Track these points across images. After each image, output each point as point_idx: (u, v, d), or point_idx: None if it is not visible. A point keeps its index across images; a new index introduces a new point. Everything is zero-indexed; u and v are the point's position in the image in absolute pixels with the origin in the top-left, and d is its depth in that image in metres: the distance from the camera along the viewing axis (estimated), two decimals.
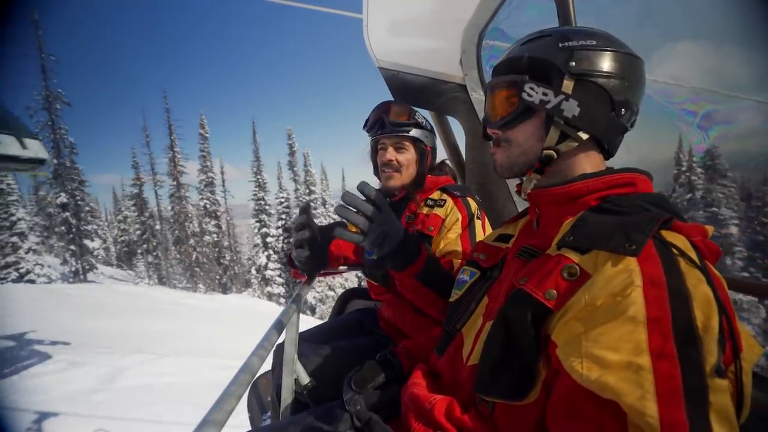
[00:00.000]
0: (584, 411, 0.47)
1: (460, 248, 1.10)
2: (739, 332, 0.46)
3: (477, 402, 0.62)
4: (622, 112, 0.62)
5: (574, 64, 0.61)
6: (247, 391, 1.56)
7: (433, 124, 1.88)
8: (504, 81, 0.68)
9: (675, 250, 0.48)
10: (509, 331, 0.56)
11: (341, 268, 1.51)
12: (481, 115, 1.63)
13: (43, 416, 2.94)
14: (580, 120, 0.62)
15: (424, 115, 1.31)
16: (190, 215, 22.97)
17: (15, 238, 15.39)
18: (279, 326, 0.91)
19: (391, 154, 1.23)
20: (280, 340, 0.96)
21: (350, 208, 0.82)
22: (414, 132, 1.24)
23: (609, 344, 0.45)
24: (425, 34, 1.52)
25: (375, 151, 1.31)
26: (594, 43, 0.62)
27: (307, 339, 1.33)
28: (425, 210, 1.22)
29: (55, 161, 17.49)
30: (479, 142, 1.69)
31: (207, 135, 23.56)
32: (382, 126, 1.22)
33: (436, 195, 1.24)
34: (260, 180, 23.66)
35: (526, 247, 0.68)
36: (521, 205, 1.68)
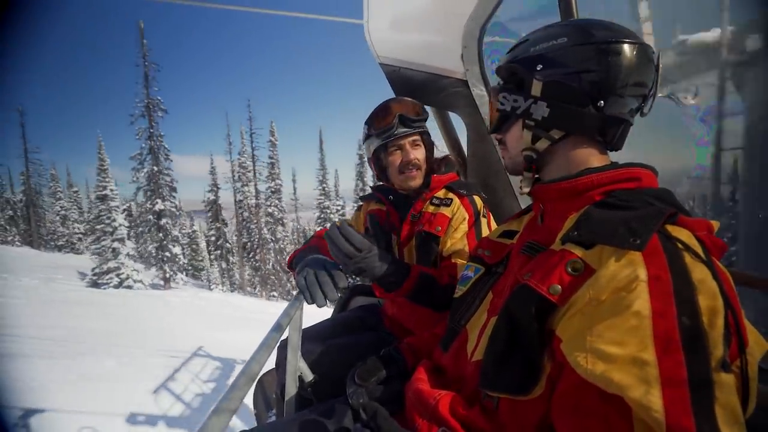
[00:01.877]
0: (589, 406, 0.47)
1: (466, 248, 1.10)
2: (745, 327, 0.45)
3: (481, 397, 0.63)
4: (601, 105, 0.61)
5: (541, 67, 0.64)
6: (253, 388, 1.57)
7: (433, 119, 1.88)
8: (492, 90, 0.75)
9: (680, 245, 0.48)
10: (513, 326, 0.57)
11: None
12: (482, 110, 1.63)
13: None
14: (551, 120, 0.64)
15: None
16: (262, 222, 23.09)
17: (116, 244, 15.46)
18: (282, 323, 0.92)
19: (412, 153, 1.19)
20: (283, 337, 0.96)
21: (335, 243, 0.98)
22: (425, 127, 1.23)
23: (614, 339, 0.45)
24: (426, 29, 1.52)
25: (377, 154, 1.24)
26: (564, 41, 0.62)
27: (310, 336, 1.33)
28: (431, 209, 1.19)
29: (154, 168, 17.70)
30: (480, 138, 1.69)
31: (276, 142, 23.70)
32: (402, 124, 1.17)
33: (441, 193, 1.21)
34: (326, 188, 23.95)
35: (530, 243, 0.68)
36: (522, 198, 1.68)
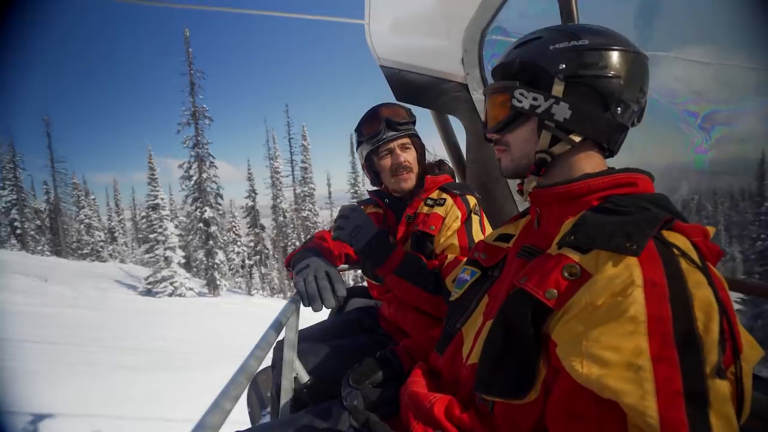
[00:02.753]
0: (584, 411, 0.47)
1: (456, 242, 1.12)
2: (740, 333, 0.46)
3: (477, 401, 0.62)
4: (619, 111, 0.61)
5: (564, 66, 0.61)
6: (247, 387, 1.56)
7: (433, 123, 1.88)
8: (496, 87, 0.70)
9: (676, 251, 0.48)
10: (509, 330, 0.56)
11: (342, 266, 1.51)
12: (482, 115, 1.63)
13: None
14: (572, 122, 0.62)
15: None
16: (299, 226, 23.30)
17: (169, 252, 15.66)
18: (278, 325, 0.91)
19: (402, 155, 1.22)
20: (280, 338, 0.96)
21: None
22: (414, 129, 1.25)
23: (609, 344, 0.45)
24: (427, 32, 1.52)
25: (370, 160, 1.26)
26: (586, 42, 0.61)
27: (307, 337, 1.33)
28: (425, 210, 1.21)
29: (205, 175, 17.97)
30: (480, 142, 1.69)
31: (308, 146, 23.90)
32: (390, 128, 1.20)
33: (435, 194, 1.23)
34: (357, 191, 24.36)
35: (526, 247, 0.68)
36: (521, 204, 1.68)
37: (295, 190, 23.56)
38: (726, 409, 0.41)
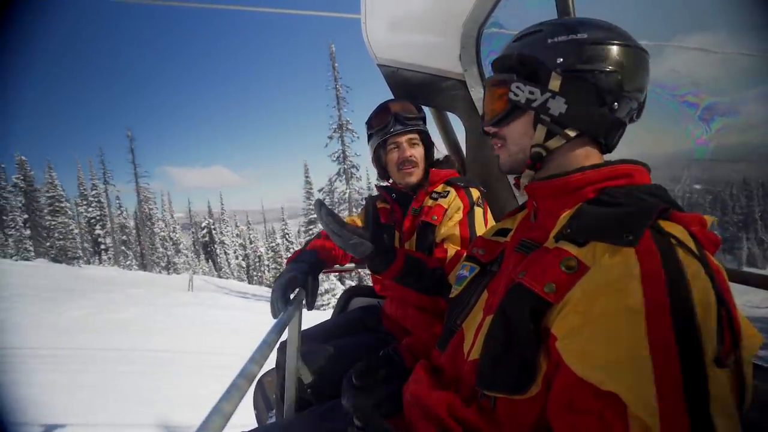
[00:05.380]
0: (585, 403, 0.47)
1: (458, 233, 1.12)
2: (739, 322, 0.45)
3: (479, 397, 0.62)
4: (616, 106, 0.61)
5: (561, 60, 0.61)
6: (253, 388, 1.57)
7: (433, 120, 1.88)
8: (495, 79, 0.70)
9: (673, 240, 0.48)
10: (509, 325, 0.56)
11: (349, 265, 1.52)
12: (481, 112, 1.62)
13: None
14: (568, 117, 0.62)
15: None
16: None
17: None
18: (281, 325, 0.92)
19: (408, 150, 1.23)
20: (283, 338, 0.96)
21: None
22: (422, 125, 1.27)
23: (608, 336, 0.45)
24: (424, 29, 1.51)
25: (378, 153, 1.28)
26: (585, 36, 0.60)
27: (310, 337, 1.33)
28: (430, 203, 1.22)
29: (355, 185, 18.90)
30: (480, 139, 1.68)
31: None
32: (398, 122, 1.22)
33: (440, 188, 1.24)
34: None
35: (524, 241, 0.68)
36: (522, 200, 1.67)
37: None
38: (726, 399, 0.41)
